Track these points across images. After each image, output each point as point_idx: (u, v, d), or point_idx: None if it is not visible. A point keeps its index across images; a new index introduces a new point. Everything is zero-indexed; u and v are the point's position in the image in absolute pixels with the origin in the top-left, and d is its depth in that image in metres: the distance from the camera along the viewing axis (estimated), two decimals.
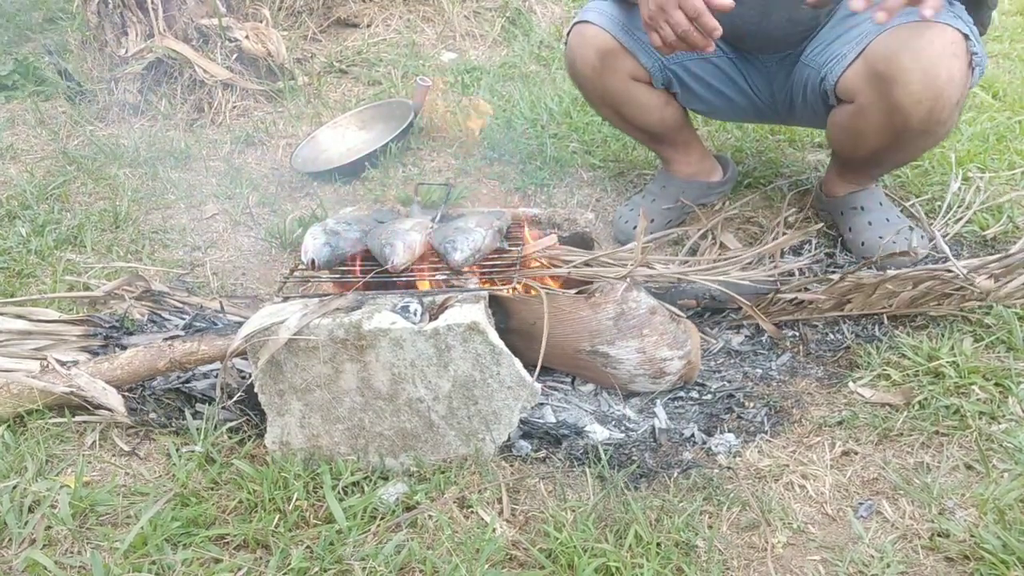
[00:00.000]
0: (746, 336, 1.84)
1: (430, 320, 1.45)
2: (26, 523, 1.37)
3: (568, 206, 2.39)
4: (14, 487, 1.44)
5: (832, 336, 1.79)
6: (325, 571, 1.26)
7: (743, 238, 2.16)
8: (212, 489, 1.44)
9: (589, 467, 1.46)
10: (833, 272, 1.98)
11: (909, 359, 1.64)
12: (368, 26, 3.73)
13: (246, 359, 1.62)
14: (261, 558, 1.31)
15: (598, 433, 1.57)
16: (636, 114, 2.08)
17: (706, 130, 2.71)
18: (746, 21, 1.90)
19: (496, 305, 1.58)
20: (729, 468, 1.46)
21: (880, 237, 1.97)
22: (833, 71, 1.81)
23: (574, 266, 1.76)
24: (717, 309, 1.92)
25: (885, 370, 1.63)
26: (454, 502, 1.39)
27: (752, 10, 1.87)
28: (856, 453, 1.47)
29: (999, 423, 1.47)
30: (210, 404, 1.64)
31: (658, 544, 1.27)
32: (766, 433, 1.54)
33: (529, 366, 1.47)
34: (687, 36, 1.62)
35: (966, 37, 1.65)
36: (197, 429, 1.56)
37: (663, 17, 1.62)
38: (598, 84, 2.04)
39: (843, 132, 1.86)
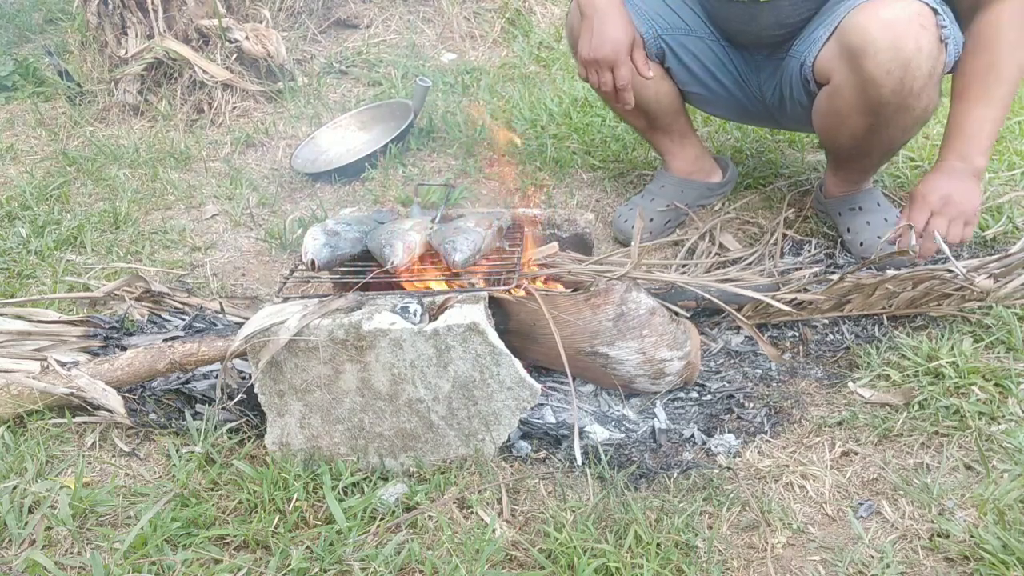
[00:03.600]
0: (746, 336, 1.84)
1: (430, 321, 1.45)
2: (26, 524, 1.37)
3: (568, 206, 2.39)
4: (14, 488, 1.44)
5: (832, 336, 1.79)
6: (325, 571, 1.26)
7: (742, 239, 2.16)
8: (212, 490, 1.44)
9: (589, 467, 1.46)
10: (833, 272, 1.98)
11: (909, 359, 1.64)
12: (368, 27, 3.73)
13: (246, 360, 1.62)
14: (261, 559, 1.31)
15: (598, 434, 1.57)
16: (632, 86, 2.08)
17: (706, 131, 2.71)
18: (736, 21, 1.94)
19: (495, 306, 1.58)
20: (729, 468, 1.46)
21: (879, 237, 1.97)
22: (810, 53, 1.83)
23: (572, 272, 1.76)
24: (717, 310, 1.92)
25: (885, 370, 1.63)
26: (454, 503, 1.39)
27: (742, 12, 1.91)
28: (856, 453, 1.47)
29: (999, 423, 1.47)
30: (210, 405, 1.64)
31: (658, 544, 1.27)
32: (766, 433, 1.54)
33: (528, 367, 1.47)
34: (608, 96, 2.00)
35: (935, 12, 1.66)
36: (197, 430, 1.56)
37: (596, 67, 1.92)
38: None
39: (824, 117, 1.87)
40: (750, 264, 1.99)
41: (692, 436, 1.56)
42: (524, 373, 1.45)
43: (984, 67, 1.72)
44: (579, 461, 1.44)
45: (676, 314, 1.69)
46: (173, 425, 1.62)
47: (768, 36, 1.94)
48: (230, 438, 1.56)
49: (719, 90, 2.11)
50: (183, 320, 1.93)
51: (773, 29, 1.92)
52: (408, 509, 1.39)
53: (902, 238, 1.77)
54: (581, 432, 1.57)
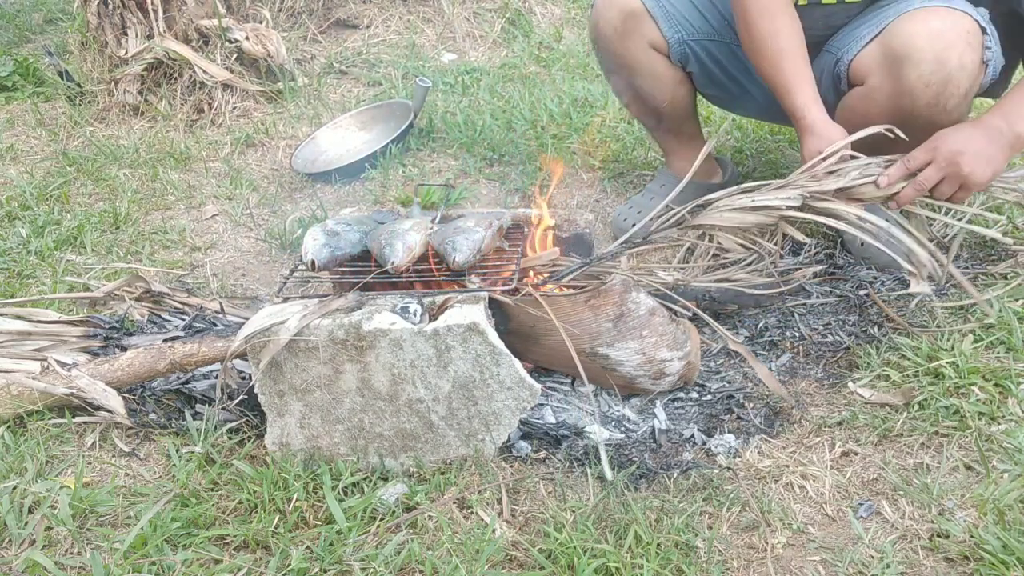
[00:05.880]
0: (745, 337, 1.84)
1: (430, 321, 1.45)
2: (26, 524, 1.37)
3: (568, 206, 2.39)
4: (14, 488, 1.44)
5: (832, 336, 1.79)
6: (325, 572, 1.26)
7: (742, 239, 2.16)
8: (212, 490, 1.44)
9: (589, 468, 1.46)
10: (833, 273, 1.99)
11: (909, 359, 1.64)
12: (368, 27, 3.73)
13: (246, 360, 1.62)
14: (261, 559, 1.31)
15: (598, 434, 1.57)
16: (648, 87, 2.08)
17: (706, 131, 2.71)
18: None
19: (495, 307, 1.58)
20: (729, 469, 1.46)
21: None
22: (849, 52, 1.80)
23: (573, 277, 1.75)
24: (717, 310, 1.92)
25: (885, 371, 1.63)
26: (454, 503, 1.39)
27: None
28: (856, 453, 1.47)
29: (999, 424, 1.47)
30: (210, 405, 1.64)
31: (658, 545, 1.27)
32: (766, 434, 1.54)
33: (529, 368, 1.47)
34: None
35: (983, 31, 1.64)
36: (197, 430, 1.56)
37: None
38: (618, 47, 2.05)
39: (850, 118, 1.84)
40: (749, 264, 1.99)
41: (692, 436, 1.56)
42: (524, 373, 1.45)
43: None
44: (608, 477, 1.41)
45: (676, 314, 1.69)
46: (173, 425, 1.62)
47: (811, 36, 1.92)
48: (230, 438, 1.56)
49: (739, 93, 2.09)
50: (183, 320, 1.93)
51: (819, 30, 1.89)
52: (408, 509, 1.39)
53: (889, 169, 1.62)
54: (581, 432, 1.57)
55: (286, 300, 1.56)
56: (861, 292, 1.89)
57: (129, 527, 1.35)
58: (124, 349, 1.75)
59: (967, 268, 1.93)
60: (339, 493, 1.42)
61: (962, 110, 1.70)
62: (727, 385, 1.70)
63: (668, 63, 2.05)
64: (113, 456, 1.56)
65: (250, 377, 1.54)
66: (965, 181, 1.56)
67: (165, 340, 1.73)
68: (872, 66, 1.74)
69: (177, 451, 1.53)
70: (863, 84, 1.77)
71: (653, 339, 1.58)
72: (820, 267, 1.98)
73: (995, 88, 1.86)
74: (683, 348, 1.61)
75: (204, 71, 3.14)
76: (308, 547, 1.31)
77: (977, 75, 1.65)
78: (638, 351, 1.58)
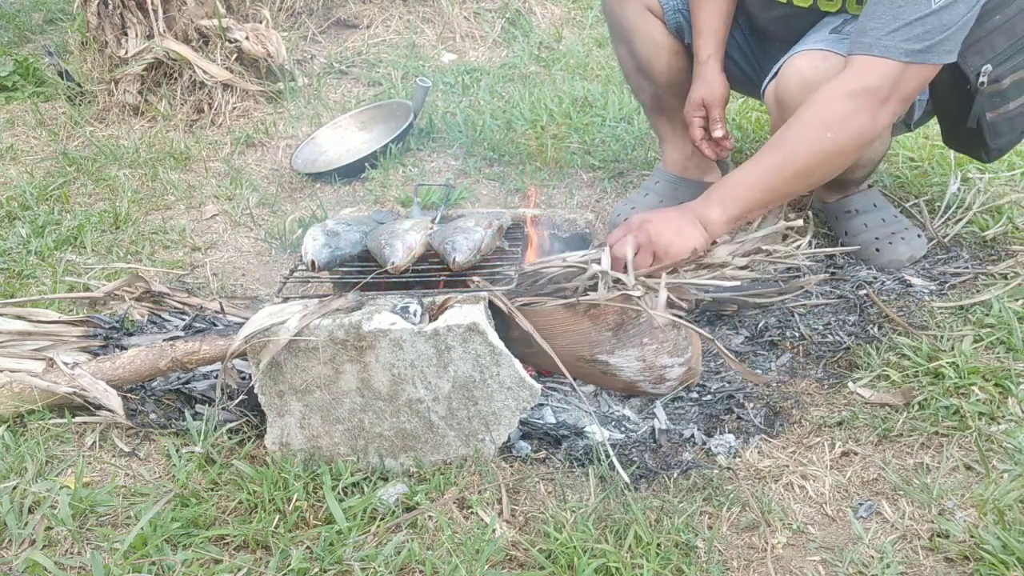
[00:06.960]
0: (745, 337, 1.84)
1: (430, 321, 1.45)
2: (26, 524, 1.37)
3: (568, 206, 2.39)
4: (14, 488, 1.44)
5: (832, 336, 1.79)
6: (325, 572, 1.26)
7: None
8: (212, 490, 1.44)
9: (590, 467, 1.46)
10: (833, 273, 1.99)
11: (909, 359, 1.64)
12: (368, 27, 3.73)
13: (246, 360, 1.62)
14: (261, 559, 1.31)
15: (598, 434, 1.57)
16: (646, 52, 2.10)
17: None
18: (754, 7, 1.97)
19: (495, 311, 1.58)
20: (729, 469, 1.46)
21: (876, 238, 1.98)
22: (764, 81, 1.86)
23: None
24: (717, 311, 1.92)
25: (885, 371, 1.63)
26: (454, 503, 1.39)
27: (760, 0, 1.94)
28: (856, 453, 1.47)
29: (999, 424, 1.47)
30: (210, 405, 1.64)
31: (658, 545, 1.27)
32: (766, 434, 1.54)
33: (529, 373, 1.47)
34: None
35: None
36: (197, 430, 1.56)
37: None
38: (616, 8, 2.11)
39: None
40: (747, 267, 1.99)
41: (692, 436, 1.56)
42: (524, 373, 1.45)
43: (777, 133, 1.64)
44: (626, 480, 1.39)
45: (677, 314, 1.68)
46: (173, 425, 1.62)
47: (776, 29, 1.95)
48: (230, 438, 1.56)
49: (731, 67, 2.11)
50: (183, 320, 1.93)
51: (780, 24, 1.92)
52: (408, 509, 1.39)
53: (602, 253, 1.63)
54: (581, 433, 1.57)
55: (286, 300, 1.56)
56: (861, 292, 1.89)
57: (129, 527, 1.35)
58: (124, 349, 1.75)
59: (967, 267, 1.93)
60: (339, 493, 1.42)
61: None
62: (727, 385, 1.70)
63: (665, 30, 2.07)
64: (113, 456, 1.56)
65: (250, 377, 1.54)
66: (655, 247, 1.59)
67: (165, 340, 1.72)
68: (770, 104, 1.81)
69: (177, 451, 1.53)
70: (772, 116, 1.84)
71: (654, 346, 1.57)
72: (824, 275, 1.97)
73: (919, 121, 1.92)
74: (684, 354, 1.61)
75: (204, 71, 3.14)
76: (308, 547, 1.31)
77: None
78: (638, 358, 1.57)
